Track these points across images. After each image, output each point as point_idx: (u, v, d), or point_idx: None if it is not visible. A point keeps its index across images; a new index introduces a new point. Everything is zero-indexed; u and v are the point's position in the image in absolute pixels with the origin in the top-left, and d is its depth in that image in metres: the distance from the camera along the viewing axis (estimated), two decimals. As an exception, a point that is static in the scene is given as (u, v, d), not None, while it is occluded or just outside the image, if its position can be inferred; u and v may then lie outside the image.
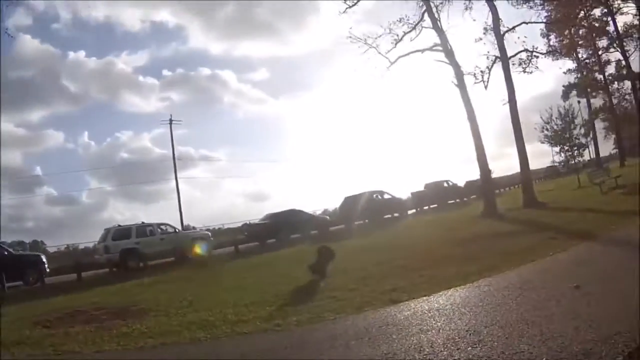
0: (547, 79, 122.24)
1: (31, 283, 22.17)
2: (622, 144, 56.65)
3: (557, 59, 47.87)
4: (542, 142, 36.93)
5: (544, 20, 31.63)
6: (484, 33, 28.15)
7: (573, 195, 25.40)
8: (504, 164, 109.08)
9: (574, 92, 56.04)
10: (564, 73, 55.50)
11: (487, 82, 27.47)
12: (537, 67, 28.49)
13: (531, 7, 31.65)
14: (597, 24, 43.00)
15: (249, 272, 16.29)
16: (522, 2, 29.28)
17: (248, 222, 36.53)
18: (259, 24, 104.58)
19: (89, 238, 70.93)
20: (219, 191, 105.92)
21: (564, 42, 45.97)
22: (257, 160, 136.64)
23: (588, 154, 59.68)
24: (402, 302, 7.98)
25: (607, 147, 64.01)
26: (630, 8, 39.03)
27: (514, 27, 27.51)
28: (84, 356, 7.64)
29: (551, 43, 45.30)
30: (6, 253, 23.21)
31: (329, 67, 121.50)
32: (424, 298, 7.94)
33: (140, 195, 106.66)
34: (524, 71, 28.18)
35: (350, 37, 27.78)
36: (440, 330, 5.97)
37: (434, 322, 6.43)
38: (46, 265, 23.72)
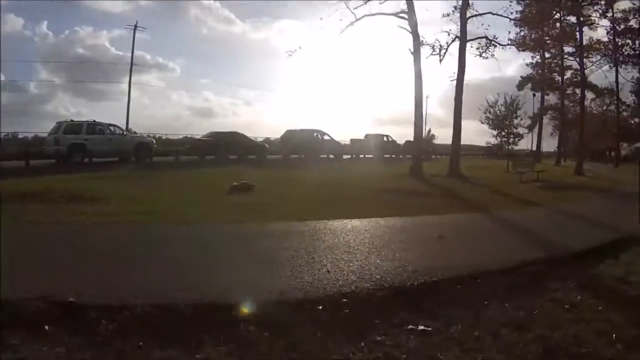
0: (510, 65, 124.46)
1: None
2: (562, 145, 59.88)
3: (523, 51, 49.76)
4: (482, 123, 38.84)
5: (510, 17, 32.28)
6: (452, 11, 29.42)
7: (496, 177, 26.93)
8: (448, 133, 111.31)
9: (530, 85, 58.42)
10: (526, 65, 57.71)
11: (443, 57, 29.15)
12: (494, 55, 30.19)
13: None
14: (568, 30, 44.51)
15: (188, 180, 17.87)
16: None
17: (189, 136, 37.58)
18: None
19: (30, 128, 68.98)
20: (167, 101, 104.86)
21: (531, 37, 47.27)
22: (210, 79, 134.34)
23: (530, 145, 62.96)
24: (307, 220, 10.20)
25: (553, 144, 66.47)
26: (603, 26, 41.08)
27: (481, 14, 28.91)
28: (51, 225, 9.17)
29: (522, 34, 46.72)
30: None
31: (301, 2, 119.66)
32: (324, 221, 10.10)
33: (88, 92, 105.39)
34: (480, 55, 30.01)
35: None
36: (325, 241, 8.27)
37: (323, 235, 8.73)
38: None
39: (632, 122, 61.23)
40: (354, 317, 5.10)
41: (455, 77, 28.48)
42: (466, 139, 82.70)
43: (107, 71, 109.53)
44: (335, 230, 9.24)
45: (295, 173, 22.34)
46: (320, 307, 5.23)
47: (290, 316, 4.96)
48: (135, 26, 54.18)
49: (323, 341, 4.49)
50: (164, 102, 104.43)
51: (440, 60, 29.37)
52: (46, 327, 4.45)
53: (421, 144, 29.43)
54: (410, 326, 4.93)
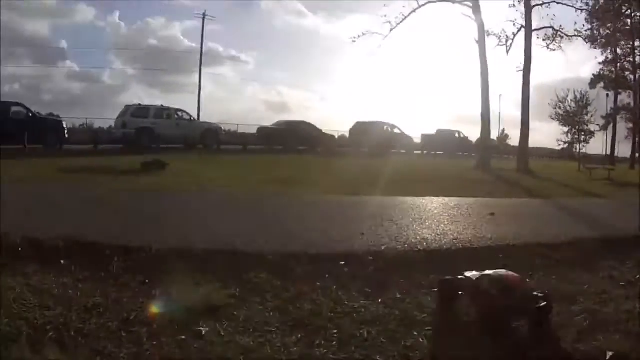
0: (585, 65, 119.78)
1: (50, 146, 23.45)
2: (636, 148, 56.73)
3: (595, 48, 47.45)
4: (553, 119, 37.28)
5: (575, 6, 30.58)
6: (518, 1, 28.51)
7: (565, 174, 25.49)
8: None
9: (602, 84, 55.62)
10: (599, 63, 55.07)
11: (509, 48, 28.54)
12: (561, 47, 29.35)
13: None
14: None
15: (240, 163, 18.26)
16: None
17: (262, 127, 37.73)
18: None
19: (105, 117, 71.32)
20: (241, 94, 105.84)
21: (601, 32, 45.12)
22: (284, 72, 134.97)
23: (604, 150, 60.06)
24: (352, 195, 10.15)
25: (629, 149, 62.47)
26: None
27: (547, 3, 28.00)
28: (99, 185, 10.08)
29: (591, 28, 44.57)
30: (30, 115, 24.27)
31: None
32: (371, 196, 10.13)
33: (162, 83, 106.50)
34: (547, 47, 29.18)
35: None
36: (367, 211, 7.99)
37: (366, 207, 8.43)
38: (66, 131, 25.14)
39: None
40: (377, 275, 4.76)
41: (522, 67, 27.52)
42: (541, 142, 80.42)
43: (180, 62, 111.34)
44: (382, 204, 9.01)
45: (350, 161, 22.40)
46: (343, 263, 4.94)
47: (306, 268, 4.73)
48: (204, 15, 55.27)
49: (336, 293, 4.18)
50: (238, 96, 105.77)
51: (507, 51, 28.81)
52: (62, 262, 4.60)
53: (488, 138, 28.56)
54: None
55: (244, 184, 11.92)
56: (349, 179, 13.31)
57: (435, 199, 10.33)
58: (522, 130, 27.96)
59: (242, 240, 5.46)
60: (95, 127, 43.71)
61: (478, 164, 24.94)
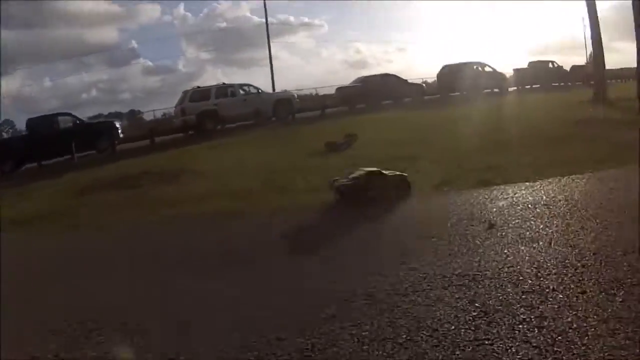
0: None
1: (102, 150, 22.43)
2: None
3: None
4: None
5: None
6: None
7: None
8: (610, 58, 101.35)
9: None
10: None
11: None
12: None
13: None
14: None
15: (321, 133, 15.00)
16: None
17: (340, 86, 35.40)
18: None
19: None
20: (318, 58, 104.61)
21: None
22: (358, 28, 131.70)
23: None
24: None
25: None
26: None
27: None
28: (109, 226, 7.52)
29: None
30: (77, 122, 23.58)
31: None
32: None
33: (237, 61, 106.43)
34: None
35: None
36: None
37: None
38: (120, 131, 24.03)
39: None
40: None
41: None
42: (627, 62, 75.07)
43: (252, 39, 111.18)
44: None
45: (449, 112, 18.92)
46: None
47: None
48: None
49: None
50: (315, 60, 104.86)
51: None
52: None
53: (603, 65, 24.48)
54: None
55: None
56: (447, 146, 10.06)
57: (582, 180, 6.47)
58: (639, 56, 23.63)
59: None
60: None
61: (595, 97, 21.07)
